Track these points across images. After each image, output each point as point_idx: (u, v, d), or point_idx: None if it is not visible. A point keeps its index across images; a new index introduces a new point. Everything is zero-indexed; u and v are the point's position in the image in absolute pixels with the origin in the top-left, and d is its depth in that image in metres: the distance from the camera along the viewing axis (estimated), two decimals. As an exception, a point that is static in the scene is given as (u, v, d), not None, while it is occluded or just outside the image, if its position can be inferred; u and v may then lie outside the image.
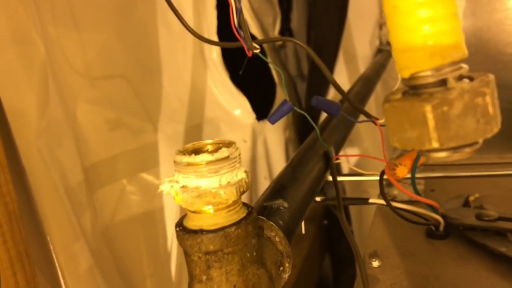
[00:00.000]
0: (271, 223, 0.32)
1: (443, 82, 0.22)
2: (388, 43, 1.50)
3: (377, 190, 0.53)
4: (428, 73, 0.23)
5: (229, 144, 0.27)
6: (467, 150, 0.22)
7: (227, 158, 0.26)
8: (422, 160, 0.47)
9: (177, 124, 0.88)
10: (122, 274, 0.73)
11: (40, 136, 0.52)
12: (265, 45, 1.07)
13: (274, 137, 1.07)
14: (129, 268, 0.76)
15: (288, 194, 0.38)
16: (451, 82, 0.22)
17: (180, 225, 0.27)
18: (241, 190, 0.26)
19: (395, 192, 0.64)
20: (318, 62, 0.47)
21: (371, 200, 0.52)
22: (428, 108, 0.21)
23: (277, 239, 0.31)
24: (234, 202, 0.26)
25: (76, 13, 0.73)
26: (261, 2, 1.15)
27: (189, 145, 0.28)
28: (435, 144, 0.22)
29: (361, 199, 0.54)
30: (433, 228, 0.52)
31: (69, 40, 0.71)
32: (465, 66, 0.24)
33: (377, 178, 0.50)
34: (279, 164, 1.07)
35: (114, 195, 0.75)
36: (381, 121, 0.46)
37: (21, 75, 0.52)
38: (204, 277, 0.26)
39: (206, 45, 0.96)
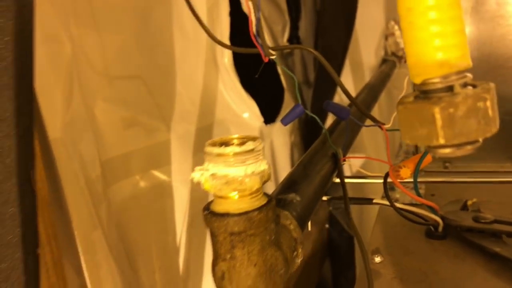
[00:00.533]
0: (286, 212, 0.35)
1: (450, 88, 0.26)
2: (393, 54, 1.53)
3: (378, 196, 0.57)
4: (437, 80, 0.26)
5: (254, 139, 0.30)
6: (469, 147, 0.26)
7: (252, 150, 0.29)
8: (424, 163, 0.50)
9: (188, 124, 0.92)
10: (132, 266, 0.77)
11: (65, 129, 0.56)
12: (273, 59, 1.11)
13: (280, 141, 1.10)
14: (139, 261, 0.79)
15: (300, 189, 0.41)
16: (457, 88, 0.25)
17: (208, 209, 0.30)
18: (264, 179, 0.30)
19: (397, 195, 0.68)
20: (328, 68, 0.51)
21: (375, 200, 0.55)
22: (436, 110, 0.24)
23: (292, 227, 0.35)
24: (257, 190, 0.30)
25: (97, 15, 0.77)
26: (271, 10, 1.19)
27: (217, 139, 0.31)
28: (442, 141, 0.25)
29: (366, 199, 0.57)
30: (432, 228, 0.55)
31: (89, 40, 0.74)
32: (469, 75, 0.27)
33: (381, 181, 0.53)
34: (284, 166, 1.10)
35: (127, 190, 0.78)
36: (386, 126, 0.49)
37: (50, 72, 0.55)
38: (228, 256, 0.30)
39: (218, 50, 0.99)
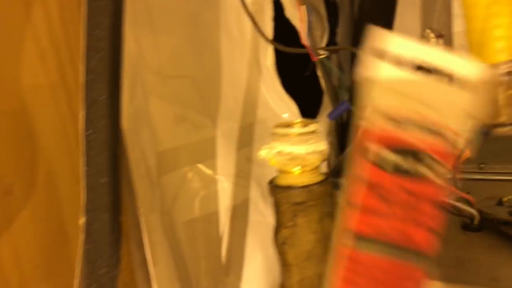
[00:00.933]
0: (338, 191, 0.39)
1: (510, 73, 0.30)
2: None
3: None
4: (497, 66, 0.30)
5: (315, 122, 0.34)
6: (527, 126, 0.29)
7: (314, 131, 0.33)
8: (464, 156, 0.53)
9: (233, 122, 0.97)
10: (180, 252, 0.82)
11: (129, 119, 0.61)
12: (321, 59, 1.15)
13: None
14: (185, 249, 0.84)
15: (348, 175, 0.45)
16: None
17: (272, 183, 0.35)
18: (323, 158, 0.34)
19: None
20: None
21: (414, 193, 0.59)
22: (499, 90, 0.28)
23: (343, 204, 0.39)
24: (317, 167, 0.34)
25: (153, 17, 0.83)
26: (313, 17, 1.23)
27: (283, 122, 0.36)
28: (504, 118, 0.29)
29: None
30: (468, 221, 0.58)
31: (146, 41, 0.80)
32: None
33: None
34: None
35: (176, 181, 0.84)
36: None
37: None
38: (290, 223, 0.34)
39: (261, 53, 1.04)
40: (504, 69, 0.30)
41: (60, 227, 0.42)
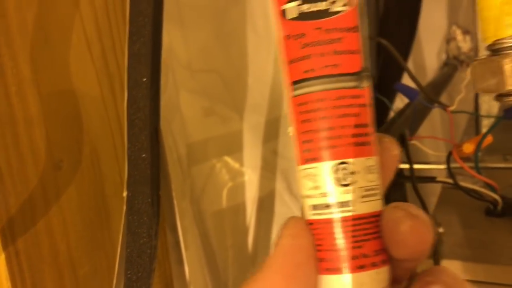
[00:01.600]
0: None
1: None
2: (455, 58, 1.55)
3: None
4: (506, 40, 0.32)
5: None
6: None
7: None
8: (485, 142, 0.55)
9: (259, 116, 0.99)
10: (208, 240, 0.85)
11: (163, 108, 0.64)
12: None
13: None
14: (213, 237, 0.87)
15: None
16: None
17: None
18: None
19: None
20: (396, 56, 0.57)
21: (438, 178, 0.60)
22: (505, 61, 0.31)
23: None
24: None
25: (182, 12, 0.86)
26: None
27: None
28: (510, 87, 0.31)
29: (429, 177, 0.62)
30: (491, 207, 0.59)
31: (176, 36, 0.83)
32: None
33: (444, 166, 0.58)
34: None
35: (205, 172, 0.87)
36: (451, 108, 0.55)
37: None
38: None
39: (287, 49, 1.07)
40: (510, 43, 0.32)
41: (102, 202, 0.45)
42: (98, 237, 0.45)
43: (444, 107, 0.54)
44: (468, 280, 0.49)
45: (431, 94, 0.55)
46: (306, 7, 0.20)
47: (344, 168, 0.20)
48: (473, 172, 0.55)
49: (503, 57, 0.31)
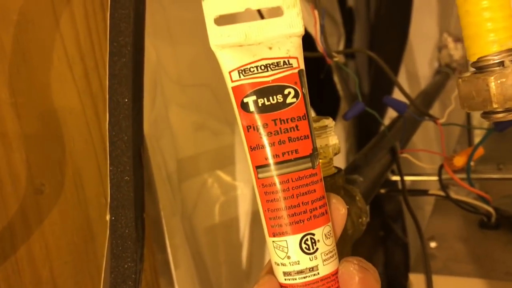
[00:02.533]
0: (352, 186, 0.41)
1: (501, 63, 0.31)
2: (447, 66, 1.55)
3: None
4: (490, 57, 0.31)
5: (327, 117, 0.36)
6: (518, 112, 0.31)
7: (326, 126, 0.35)
8: (476, 155, 0.54)
9: (251, 129, 0.99)
10: (201, 257, 0.83)
11: (150, 126, 0.64)
12: (335, 61, 1.17)
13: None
14: (206, 253, 0.85)
15: (363, 172, 0.46)
16: (507, 63, 0.31)
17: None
18: (335, 151, 0.36)
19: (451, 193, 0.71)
20: (386, 69, 0.56)
21: (430, 191, 0.59)
22: (490, 79, 0.30)
23: (358, 198, 0.40)
24: (330, 160, 0.36)
25: (171, 29, 0.86)
26: (327, 23, 1.25)
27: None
28: (495, 105, 0.30)
29: (422, 190, 0.61)
30: (485, 219, 0.59)
31: (165, 51, 0.83)
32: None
33: (436, 178, 0.57)
34: (340, 172, 1.15)
35: (196, 187, 0.86)
36: (441, 121, 0.54)
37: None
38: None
39: (278, 61, 1.06)
40: (496, 59, 0.31)
41: (87, 225, 0.44)
42: (83, 261, 0.44)
43: (434, 119, 0.54)
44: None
45: (421, 107, 0.54)
46: (264, 101, 0.22)
47: (310, 239, 0.23)
48: (465, 185, 0.55)
49: (488, 75, 0.30)
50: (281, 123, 0.22)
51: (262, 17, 0.25)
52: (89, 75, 0.45)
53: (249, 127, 0.23)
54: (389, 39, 1.38)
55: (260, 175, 0.23)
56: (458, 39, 1.56)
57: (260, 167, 0.23)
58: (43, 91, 0.41)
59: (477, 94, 0.31)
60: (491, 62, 0.31)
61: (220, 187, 0.91)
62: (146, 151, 0.60)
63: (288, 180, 0.23)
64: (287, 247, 0.23)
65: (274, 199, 0.23)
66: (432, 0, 1.52)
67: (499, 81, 0.30)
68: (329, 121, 0.35)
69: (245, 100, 0.23)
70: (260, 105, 0.22)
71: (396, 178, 0.75)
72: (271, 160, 0.23)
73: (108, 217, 0.39)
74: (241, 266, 0.95)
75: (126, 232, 0.39)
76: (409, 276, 0.50)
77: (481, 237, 0.56)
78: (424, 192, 0.60)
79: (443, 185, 0.55)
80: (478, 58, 0.32)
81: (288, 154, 0.23)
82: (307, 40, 0.73)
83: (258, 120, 0.23)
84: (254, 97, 0.23)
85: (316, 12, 0.55)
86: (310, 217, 0.23)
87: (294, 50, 0.24)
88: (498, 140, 0.89)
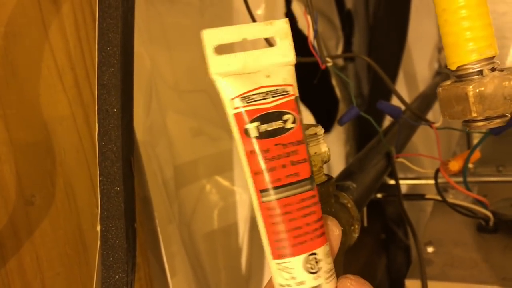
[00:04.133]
0: (344, 193, 0.40)
1: (480, 72, 0.31)
2: (446, 67, 1.54)
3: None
4: (469, 66, 0.31)
5: (316, 125, 0.36)
6: (498, 120, 0.30)
7: (314, 134, 0.35)
8: (473, 159, 0.53)
9: (249, 134, 0.98)
10: (200, 263, 0.83)
11: (145, 133, 0.64)
12: (329, 66, 1.16)
13: (335, 150, 1.14)
14: (205, 260, 0.85)
15: (357, 178, 0.46)
16: (486, 72, 0.31)
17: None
18: (324, 159, 0.35)
19: (450, 196, 0.71)
20: (382, 75, 0.56)
21: (427, 196, 0.59)
22: (469, 88, 0.30)
23: (349, 206, 0.40)
24: (319, 168, 0.35)
25: (168, 35, 0.86)
26: (325, 26, 1.25)
27: (285, 127, 0.37)
28: (474, 114, 0.30)
29: (418, 195, 0.61)
30: (483, 223, 0.58)
31: (162, 57, 0.83)
32: (497, 61, 0.32)
33: (432, 181, 0.57)
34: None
35: (194, 194, 0.85)
36: (436, 125, 0.54)
37: (135, 80, 0.64)
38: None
39: (276, 65, 1.06)
40: (475, 68, 0.31)
41: (79, 236, 0.44)
42: (76, 272, 0.44)
43: (429, 124, 0.53)
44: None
45: (416, 111, 0.54)
46: (265, 127, 0.23)
47: (313, 259, 0.24)
48: (462, 189, 0.54)
49: (467, 84, 0.30)
50: (283, 148, 0.23)
51: (270, 45, 0.25)
52: (79, 84, 0.45)
53: (252, 152, 0.23)
54: (388, 41, 1.38)
55: (264, 199, 0.23)
56: (458, 39, 1.56)
57: (264, 191, 0.23)
58: (32, 101, 0.41)
59: (456, 102, 0.31)
60: (470, 70, 0.31)
61: (218, 192, 0.91)
62: (140, 158, 0.59)
63: (291, 202, 0.23)
64: (292, 268, 0.24)
65: (279, 221, 0.24)
66: (430, 0, 1.51)
67: (477, 90, 0.30)
68: (318, 129, 0.35)
69: (248, 126, 0.23)
70: (262, 130, 0.23)
71: (394, 182, 0.74)
72: (274, 184, 0.23)
73: (98, 228, 0.39)
74: (241, 272, 0.94)
75: (116, 242, 0.39)
76: (405, 283, 0.50)
77: (479, 241, 0.56)
78: (421, 197, 0.59)
79: (440, 190, 0.55)
80: (458, 67, 0.32)
81: (291, 177, 0.23)
82: (305, 44, 0.73)
83: (262, 145, 0.23)
84: (257, 123, 0.23)
85: (309, 17, 0.55)
86: (313, 237, 0.24)
87: (289, 78, 0.25)
88: (497, 142, 0.88)
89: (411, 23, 1.39)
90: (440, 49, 1.56)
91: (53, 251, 0.41)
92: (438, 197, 0.56)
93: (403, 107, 0.57)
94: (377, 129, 0.61)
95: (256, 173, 0.23)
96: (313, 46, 0.56)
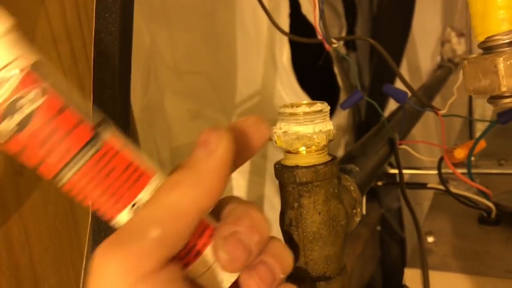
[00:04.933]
0: (347, 176, 0.39)
1: (510, 44, 0.29)
2: (449, 60, 1.53)
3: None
4: (499, 36, 0.29)
5: (322, 102, 0.34)
6: (529, 98, 0.29)
7: (320, 111, 0.33)
8: (478, 148, 0.52)
9: (248, 119, 0.97)
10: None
11: (142, 111, 0.62)
12: (332, 54, 1.15)
13: (335, 140, 1.13)
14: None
15: (359, 162, 0.44)
16: None
17: (279, 164, 0.35)
18: (329, 138, 0.34)
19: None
20: (387, 58, 0.54)
21: (429, 185, 0.58)
22: (499, 60, 0.28)
23: (352, 188, 0.38)
24: (324, 147, 0.34)
25: (169, 14, 0.84)
26: (329, 13, 1.23)
27: (288, 103, 0.36)
28: (503, 89, 0.28)
29: (420, 184, 0.59)
30: (484, 214, 0.57)
31: (162, 37, 0.81)
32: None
33: (435, 172, 0.55)
34: (338, 165, 1.13)
35: (191, 177, 0.84)
36: (442, 112, 0.52)
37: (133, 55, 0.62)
38: (295, 204, 0.34)
39: (277, 50, 1.04)
40: (505, 39, 0.29)
41: (70, 211, 0.43)
42: (65, 248, 0.42)
43: (435, 110, 0.52)
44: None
45: (422, 98, 0.52)
46: (15, 120, 0.21)
47: (138, 207, 0.23)
48: (466, 179, 0.53)
49: (496, 55, 0.28)
50: (44, 129, 0.21)
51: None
52: (76, 54, 0.43)
53: (22, 151, 0.21)
54: (391, 31, 1.36)
55: (60, 184, 0.22)
56: (462, 33, 1.54)
57: (56, 176, 0.22)
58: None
59: (484, 76, 0.29)
60: (501, 42, 0.29)
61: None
62: (137, 136, 0.58)
63: (84, 174, 0.22)
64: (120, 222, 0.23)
65: (86, 196, 0.22)
66: (435, -7, 1.50)
67: (508, 62, 0.28)
68: (324, 106, 0.34)
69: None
70: (14, 126, 0.21)
71: (394, 171, 0.73)
72: (56, 168, 0.22)
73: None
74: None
75: (109, 218, 0.38)
76: (404, 271, 0.49)
77: (481, 233, 0.55)
78: (423, 186, 0.58)
79: (443, 179, 0.54)
80: (486, 38, 0.30)
81: (68, 153, 0.22)
82: (308, 30, 0.70)
83: (18, 143, 0.21)
84: (7, 121, 0.21)
85: (315, -3, 0.53)
86: (129, 187, 0.23)
87: (8, 53, 0.21)
88: (499, 136, 0.87)
89: (415, 15, 1.37)
90: (443, 42, 1.54)
91: (42, 225, 0.40)
92: (440, 187, 0.55)
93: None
94: (378, 117, 0.60)
95: (37, 166, 0.22)
96: (319, 27, 0.54)
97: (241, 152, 0.25)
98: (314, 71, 1.04)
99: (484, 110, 1.13)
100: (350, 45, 1.43)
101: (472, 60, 0.30)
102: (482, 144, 0.51)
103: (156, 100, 0.69)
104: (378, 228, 1.35)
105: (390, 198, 1.23)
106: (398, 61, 1.36)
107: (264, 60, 1.04)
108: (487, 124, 0.47)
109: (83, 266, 0.40)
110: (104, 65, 0.37)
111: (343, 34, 1.31)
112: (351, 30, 1.43)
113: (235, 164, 0.25)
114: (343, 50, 1.30)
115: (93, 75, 0.36)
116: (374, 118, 1.00)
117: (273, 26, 1.03)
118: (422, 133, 1.22)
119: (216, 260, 0.24)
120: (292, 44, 1.02)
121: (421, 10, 1.43)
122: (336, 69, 1.14)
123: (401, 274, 1.33)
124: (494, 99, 0.30)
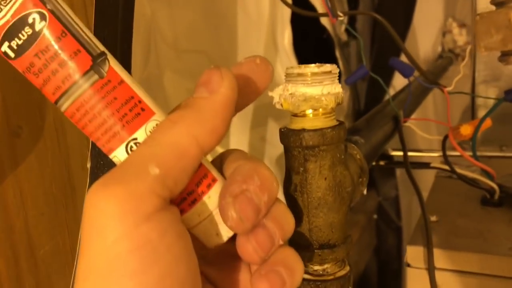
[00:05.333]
0: (353, 144, 0.38)
1: None
2: (450, 51, 1.52)
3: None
4: None
5: (331, 64, 0.33)
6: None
7: (329, 72, 0.32)
8: (484, 127, 0.51)
9: (247, 101, 0.96)
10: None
11: (142, 83, 0.60)
12: (334, 39, 1.14)
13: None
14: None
15: (365, 135, 0.43)
16: None
17: (284, 128, 0.34)
18: (338, 101, 0.33)
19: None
20: (393, 34, 0.53)
21: (433, 164, 0.57)
22: None
23: (358, 157, 0.37)
24: (332, 109, 0.33)
25: (170, -9, 0.82)
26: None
27: (296, 66, 0.34)
28: None
29: (423, 163, 0.58)
30: (487, 195, 0.56)
31: (162, 14, 0.79)
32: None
33: (439, 154, 0.55)
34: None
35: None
36: (448, 89, 0.51)
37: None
38: (301, 169, 0.33)
39: (278, 32, 1.03)
40: None
41: (67, 176, 0.42)
42: (61, 214, 0.41)
43: (441, 87, 0.51)
44: (462, 271, 0.46)
45: (428, 74, 0.51)
46: (17, 42, 0.21)
47: (135, 144, 0.22)
48: (470, 158, 0.52)
49: (510, 9, 0.27)
50: (46, 53, 0.21)
51: None
52: (76, 14, 0.42)
53: (24, 72, 0.21)
54: (393, 20, 1.35)
55: (62, 109, 0.22)
56: (463, 24, 1.53)
57: (57, 102, 0.22)
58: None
59: (496, 31, 0.28)
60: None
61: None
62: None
63: (85, 100, 0.22)
64: (121, 159, 0.23)
65: (84, 125, 0.22)
66: (438, -18, 1.49)
67: None
68: (333, 67, 0.32)
69: (2, 49, 0.21)
70: (16, 47, 0.21)
71: (395, 153, 0.72)
72: (58, 93, 0.22)
73: (89, 165, 0.36)
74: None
75: (107, 182, 0.36)
76: (406, 248, 0.48)
77: (483, 213, 0.54)
78: (426, 165, 0.57)
79: (447, 158, 0.53)
80: (501, -9, 0.29)
81: (69, 79, 0.21)
82: (308, 6, 0.69)
83: (24, 62, 0.21)
84: (7, 43, 0.21)
85: (322, -33, 0.51)
86: (123, 124, 0.22)
87: None
88: (501, 122, 0.87)
89: (417, 5, 1.36)
90: (444, 33, 1.53)
91: (38, 189, 0.39)
92: (444, 166, 0.54)
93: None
94: (382, 94, 0.59)
95: (40, 88, 0.22)
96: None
97: (244, 93, 0.25)
98: (315, 55, 1.02)
99: (487, 94, 1.11)
100: (351, 34, 1.41)
101: (485, 15, 0.29)
102: (488, 122, 0.51)
103: (156, 75, 0.68)
104: (375, 216, 1.35)
105: (387, 187, 1.23)
106: (399, 51, 1.34)
107: (265, 42, 1.02)
108: (490, 107, 0.47)
109: (80, 234, 0.38)
110: (104, 25, 0.36)
111: (345, 21, 1.29)
112: (353, 17, 1.42)
113: (238, 106, 0.24)
114: (344, 37, 1.28)
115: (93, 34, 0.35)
116: (374, 106, 0.99)
117: (275, 7, 1.02)
118: (421, 116, 1.22)
119: (223, 219, 0.23)
120: (294, 27, 1.01)
121: (423, 0, 1.42)
122: (338, 54, 1.13)
123: (397, 263, 1.33)
124: (506, 55, 0.29)
